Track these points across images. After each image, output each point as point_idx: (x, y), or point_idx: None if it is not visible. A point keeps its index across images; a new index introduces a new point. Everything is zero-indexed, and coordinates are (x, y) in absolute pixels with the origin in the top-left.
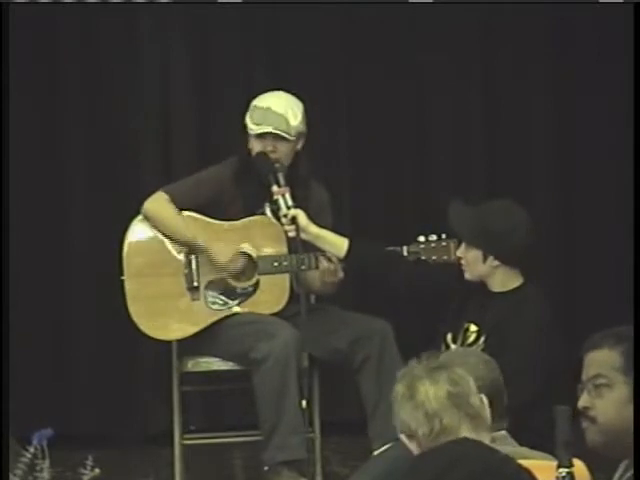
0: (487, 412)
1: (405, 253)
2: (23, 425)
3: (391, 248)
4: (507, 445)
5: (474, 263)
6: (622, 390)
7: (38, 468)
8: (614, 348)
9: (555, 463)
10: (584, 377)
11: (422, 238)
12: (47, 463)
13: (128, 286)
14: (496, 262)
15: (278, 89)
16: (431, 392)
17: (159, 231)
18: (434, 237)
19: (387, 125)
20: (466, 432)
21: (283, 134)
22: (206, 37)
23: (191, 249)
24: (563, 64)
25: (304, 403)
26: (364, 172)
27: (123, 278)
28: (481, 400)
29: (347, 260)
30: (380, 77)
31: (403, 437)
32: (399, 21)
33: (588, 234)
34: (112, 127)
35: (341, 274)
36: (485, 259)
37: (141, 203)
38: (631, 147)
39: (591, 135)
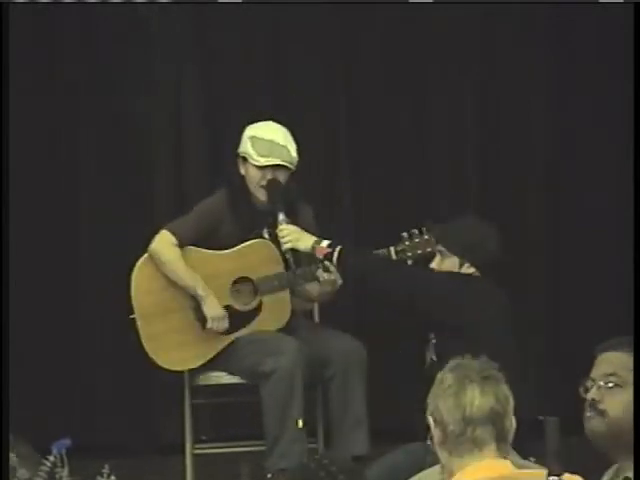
0: (511, 436)
1: (393, 253)
2: (43, 435)
3: (381, 250)
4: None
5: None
6: (631, 392)
7: (57, 476)
8: (631, 352)
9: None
10: (594, 374)
11: (405, 234)
12: (66, 471)
13: (140, 325)
14: (471, 269)
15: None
16: (477, 401)
17: (163, 273)
18: (415, 231)
19: (387, 125)
20: (491, 451)
21: (289, 165)
22: (206, 37)
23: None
24: (563, 64)
25: (300, 423)
26: (364, 172)
27: (134, 317)
28: (511, 423)
29: (337, 268)
30: (380, 77)
31: (430, 420)
32: (399, 21)
33: (588, 233)
34: (111, 127)
35: (340, 281)
36: (461, 266)
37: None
38: (631, 147)
39: (591, 135)
